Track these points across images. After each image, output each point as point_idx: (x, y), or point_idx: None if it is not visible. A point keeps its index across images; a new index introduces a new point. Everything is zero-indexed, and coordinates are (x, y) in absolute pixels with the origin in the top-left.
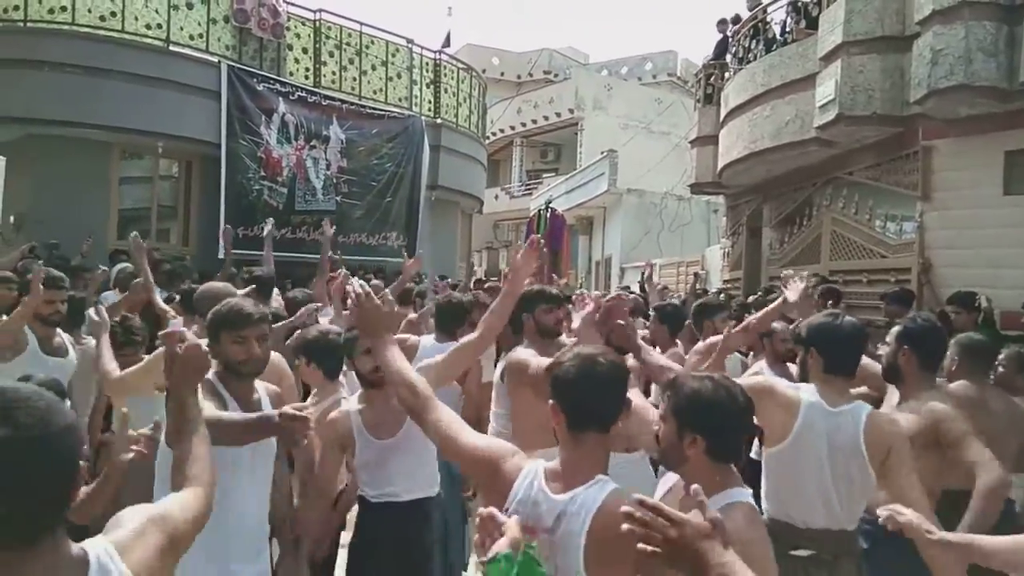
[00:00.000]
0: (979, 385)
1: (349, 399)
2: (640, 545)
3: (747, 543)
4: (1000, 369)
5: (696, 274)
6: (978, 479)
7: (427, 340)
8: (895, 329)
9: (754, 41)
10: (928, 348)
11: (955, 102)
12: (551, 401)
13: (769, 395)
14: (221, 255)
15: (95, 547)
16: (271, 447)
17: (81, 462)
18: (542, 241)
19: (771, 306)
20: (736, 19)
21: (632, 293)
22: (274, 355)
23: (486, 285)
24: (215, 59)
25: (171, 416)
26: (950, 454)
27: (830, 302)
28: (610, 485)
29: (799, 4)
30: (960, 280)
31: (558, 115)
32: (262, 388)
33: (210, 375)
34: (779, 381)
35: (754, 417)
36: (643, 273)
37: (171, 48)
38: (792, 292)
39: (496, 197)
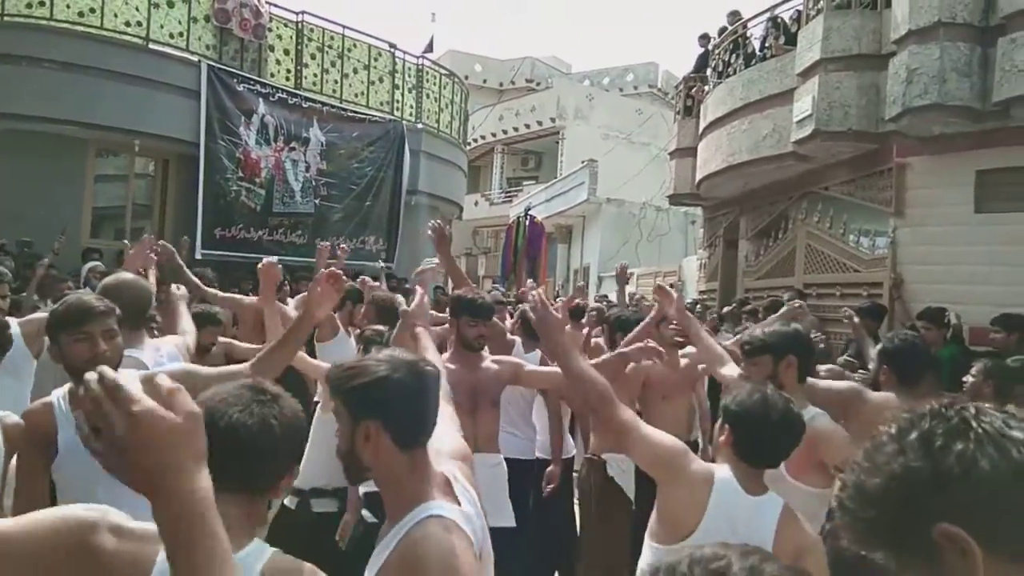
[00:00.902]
0: (912, 396)
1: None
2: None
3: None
4: (970, 379)
5: (671, 285)
6: None
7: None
8: (877, 347)
9: (734, 55)
10: (906, 364)
11: (929, 121)
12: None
13: (681, 467)
14: (198, 256)
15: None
16: None
17: None
18: (513, 248)
19: (643, 323)
20: (721, 31)
21: (610, 303)
22: None
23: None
24: (195, 58)
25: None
26: None
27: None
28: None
29: (778, 20)
30: (931, 296)
31: (540, 123)
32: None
33: (56, 397)
34: (695, 458)
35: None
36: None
37: (150, 46)
38: (668, 303)
39: (476, 204)
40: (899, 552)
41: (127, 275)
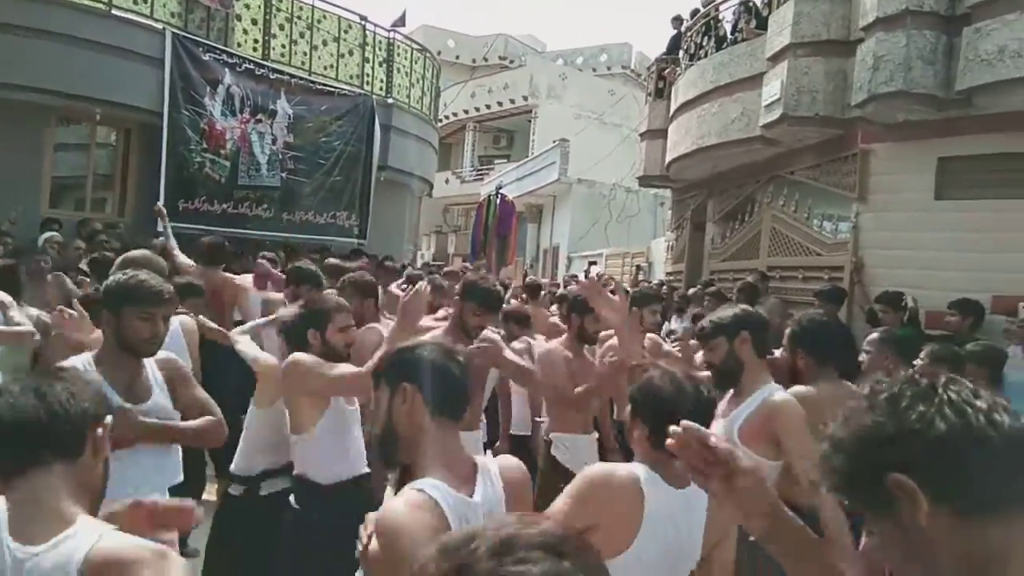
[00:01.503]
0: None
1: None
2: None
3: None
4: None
5: (638, 267)
6: None
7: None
8: (787, 332)
9: (706, 38)
10: (820, 345)
11: (893, 107)
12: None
13: (604, 487)
14: (160, 228)
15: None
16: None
17: None
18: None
19: (622, 336)
20: (693, 13)
21: (579, 282)
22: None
23: (445, 270)
24: (159, 26)
25: None
26: None
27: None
28: None
29: (750, 4)
30: (891, 280)
31: (512, 101)
32: (150, 362)
33: (79, 360)
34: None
35: None
36: (587, 270)
37: (113, 12)
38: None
39: (447, 181)
40: (865, 499)
41: (146, 253)
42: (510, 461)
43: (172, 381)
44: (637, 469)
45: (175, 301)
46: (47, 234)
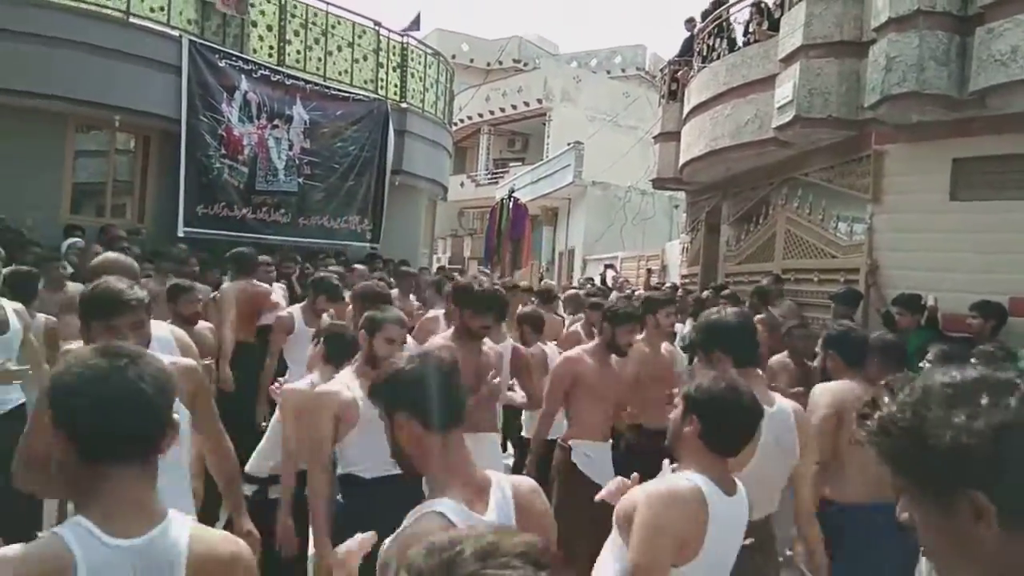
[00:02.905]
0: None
1: (343, 377)
2: None
3: None
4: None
5: (649, 270)
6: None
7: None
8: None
9: (718, 40)
10: (850, 349)
11: (907, 108)
12: None
13: (674, 506)
14: (180, 233)
15: (178, 520)
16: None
17: None
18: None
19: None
20: (704, 14)
21: (594, 286)
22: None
23: (442, 273)
24: (176, 33)
25: None
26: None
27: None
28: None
29: (762, 5)
30: (906, 282)
31: (526, 104)
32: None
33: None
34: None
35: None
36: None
37: (131, 20)
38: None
39: (462, 184)
40: (919, 487)
41: (117, 258)
42: (523, 479)
43: (194, 396)
44: (696, 480)
45: (143, 307)
46: (70, 241)
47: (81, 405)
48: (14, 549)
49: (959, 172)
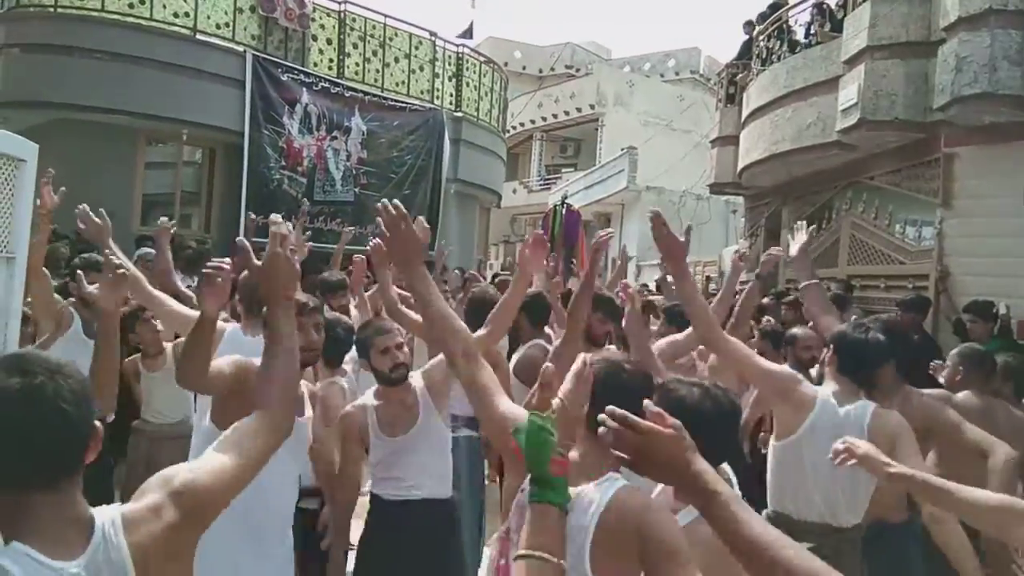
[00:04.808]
0: (982, 395)
1: (364, 395)
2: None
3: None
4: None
5: (708, 277)
6: (990, 458)
7: None
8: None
9: (777, 42)
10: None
11: (978, 110)
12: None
13: (791, 389)
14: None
15: (104, 515)
16: (303, 432)
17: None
18: (549, 236)
19: (748, 288)
20: (762, 17)
21: (649, 291)
22: None
23: (497, 280)
24: (240, 48)
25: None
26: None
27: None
28: (620, 482)
29: (824, 6)
30: (977, 288)
31: (579, 110)
32: None
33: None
34: (804, 380)
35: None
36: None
37: (198, 36)
38: (793, 246)
39: (514, 191)
40: None
41: None
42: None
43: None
44: (820, 391)
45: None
46: (141, 251)
47: None
48: None
49: None
